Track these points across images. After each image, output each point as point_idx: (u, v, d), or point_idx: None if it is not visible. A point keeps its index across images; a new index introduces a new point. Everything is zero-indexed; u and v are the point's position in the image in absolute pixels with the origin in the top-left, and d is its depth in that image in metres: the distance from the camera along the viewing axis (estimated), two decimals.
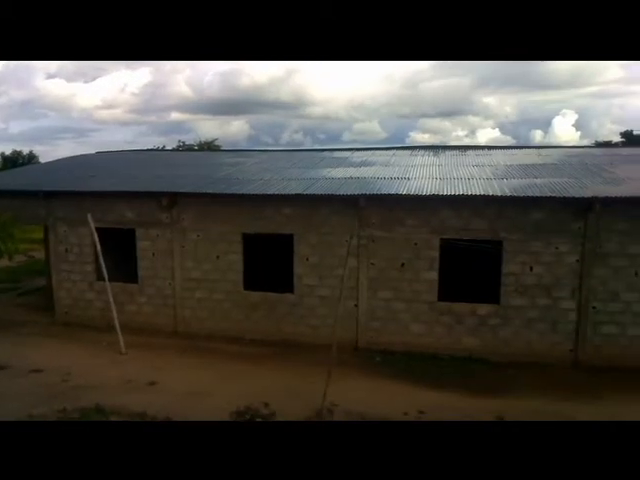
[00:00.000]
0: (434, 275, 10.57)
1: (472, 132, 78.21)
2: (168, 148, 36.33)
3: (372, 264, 10.83)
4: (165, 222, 11.89)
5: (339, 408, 8.01)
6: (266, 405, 8.11)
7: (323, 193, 10.74)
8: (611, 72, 78.34)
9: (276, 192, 11.07)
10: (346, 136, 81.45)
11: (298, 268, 11.22)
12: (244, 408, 7.99)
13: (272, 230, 11.25)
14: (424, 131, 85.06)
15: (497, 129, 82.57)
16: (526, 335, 10.21)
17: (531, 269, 10.08)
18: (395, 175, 12.06)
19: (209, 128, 78.18)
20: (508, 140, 61.92)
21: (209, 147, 37.64)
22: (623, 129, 46.15)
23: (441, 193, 10.22)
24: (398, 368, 9.98)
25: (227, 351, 10.88)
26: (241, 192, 11.27)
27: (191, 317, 11.96)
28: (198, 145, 38.66)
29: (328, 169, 13.26)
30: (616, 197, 9.42)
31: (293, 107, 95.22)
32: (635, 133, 44.03)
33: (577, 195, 9.60)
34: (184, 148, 37.52)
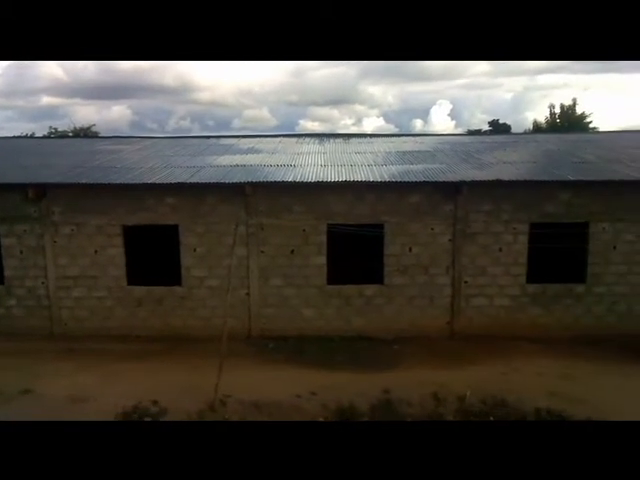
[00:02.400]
0: (323, 260, 10.84)
1: (359, 120, 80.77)
2: (38, 135, 33.01)
3: (262, 252, 10.82)
4: (34, 216, 10.84)
5: (232, 399, 7.96)
6: (155, 403, 7.81)
7: (208, 181, 10.47)
8: (479, 66, 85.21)
9: (158, 181, 10.58)
10: (236, 123, 79.89)
11: (185, 259, 10.88)
12: (131, 408, 7.63)
13: (155, 221, 10.76)
14: (313, 119, 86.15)
15: (382, 118, 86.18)
16: (408, 311, 10.89)
17: (410, 250, 10.74)
18: (282, 162, 12.11)
19: (86, 113, 72.09)
20: (391, 128, 64.88)
21: (85, 134, 34.81)
22: (490, 118, 50.50)
23: (326, 180, 10.46)
24: (291, 353, 10.14)
25: (112, 351, 10.26)
26: (119, 181, 10.61)
27: (69, 318, 11.10)
28: (73, 131, 35.55)
29: (214, 156, 12.95)
30: (480, 180, 10.34)
31: (179, 92, 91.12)
32: (501, 122, 48.54)
33: (447, 179, 10.37)
34: (57, 135, 34.29)
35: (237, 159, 12.57)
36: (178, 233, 10.83)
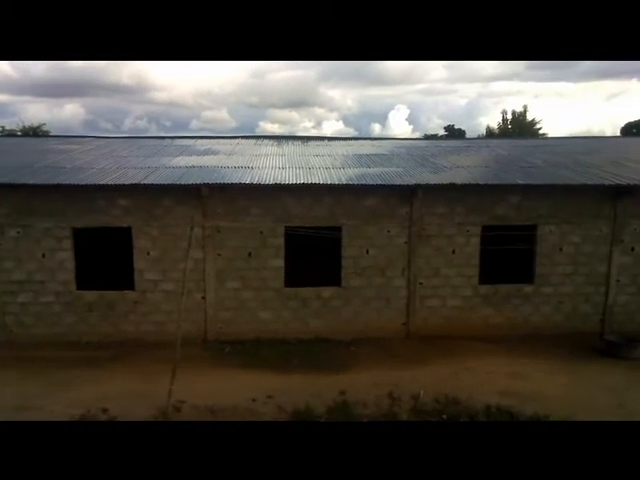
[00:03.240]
0: (280, 262, 10.81)
1: (319, 123, 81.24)
2: None
3: (219, 255, 10.69)
4: None
5: (186, 404, 7.81)
6: (105, 411, 7.57)
7: (163, 183, 10.26)
8: (437, 72, 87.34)
9: (110, 182, 10.27)
10: (194, 124, 78.68)
11: (139, 263, 10.61)
12: (79, 417, 7.36)
13: (107, 223, 10.45)
14: (273, 121, 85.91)
15: (341, 121, 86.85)
16: (365, 313, 11.00)
17: (367, 252, 10.86)
18: (239, 164, 12.01)
19: (36, 111, 69.21)
20: (351, 132, 65.68)
21: (35, 133, 33.45)
22: (446, 123, 51.84)
23: (284, 182, 10.45)
24: (247, 357, 10.05)
25: (60, 358, 9.87)
26: (68, 182, 10.23)
27: (14, 324, 10.61)
28: (22, 130, 34.10)
29: (169, 157, 12.70)
30: (435, 184, 10.58)
31: (135, 91, 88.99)
32: (456, 127, 49.90)
33: (403, 183, 10.55)
34: (4, 134, 32.83)
35: (193, 160, 12.38)
36: (131, 236, 10.55)
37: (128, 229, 10.53)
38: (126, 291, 10.72)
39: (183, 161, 12.30)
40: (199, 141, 15.55)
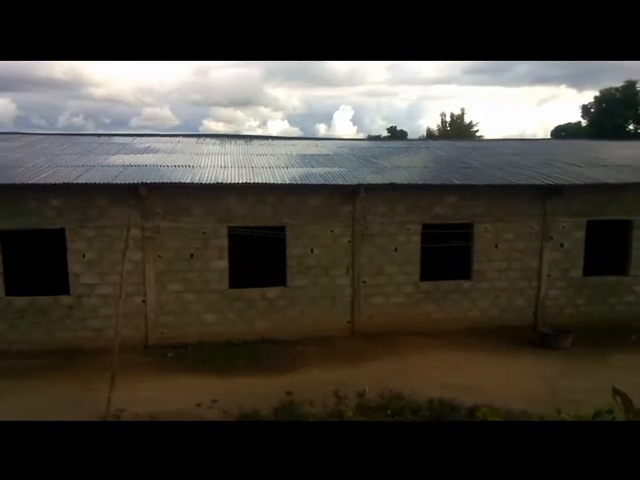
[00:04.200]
0: (224, 263, 10.64)
1: (264, 123, 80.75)
2: None
3: (159, 256, 10.38)
4: None
5: (126, 412, 7.53)
6: None
7: (97, 182, 9.83)
8: (379, 73, 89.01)
9: (41, 181, 9.72)
10: (134, 122, 76.16)
11: (73, 266, 10.12)
12: None
13: (38, 225, 9.89)
14: (217, 119, 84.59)
15: (286, 121, 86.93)
16: (311, 312, 11.03)
17: (312, 251, 10.89)
18: (180, 163, 11.72)
19: None
20: (296, 132, 65.73)
21: None
22: (389, 125, 52.96)
23: (226, 181, 10.29)
24: (191, 361, 9.83)
25: None
26: None
27: None
28: None
29: (106, 156, 12.21)
30: (376, 184, 10.77)
31: (71, 87, 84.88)
32: (398, 129, 51.06)
33: (346, 183, 10.67)
34: None
35: (131, 159, 11.95)
36: (65, 238, 10.05)
37: (61, 231, 10.02)
38: (60, 296, 10.20)
39: (120, 159, 11.85)
40: (138, 139, 15.04)
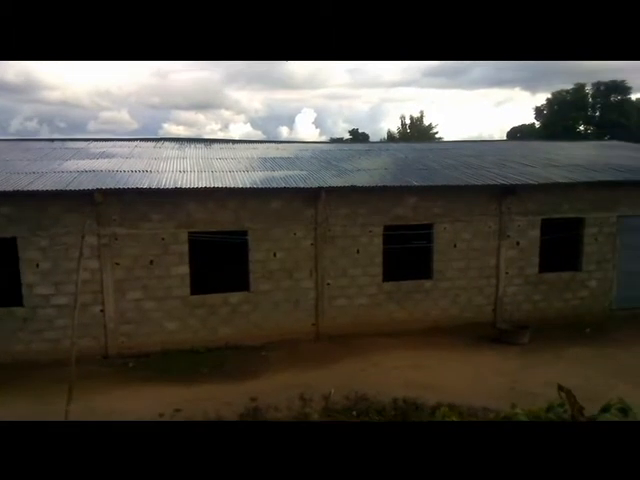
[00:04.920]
0: (185, 270, 10.47)
1: (225, 126, 79.86)
2: None
3: (117, 264, 10.12)
4: None
5: None
6: None
7: (50, 189, 9.49)
8: (340, 77, 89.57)
9: None
10: (92, 126, 73.92)
11: (26, 276, 9.74)
12: None
13: None
14: (178, 123, 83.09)
15: (249, 124, 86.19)
16: (275, 316, 10.98)
17: (275, 255, 10.85)
18: (137, 168, 11.47)
19: None
20: (259, 135, 65.30)
21: None
22: (351, 127, 53.41)
23: (185, 186, 10.13)
24: (153, 370, 9.62)
25: None
26: None
27: None
28: None
29: (59, 161, 11.83)
30: (337, 186, 10.83)
31: (23, 90, 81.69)
32: (360, 131, 51.56)
33: (307, 186, 10.68)
34: None
35: (86, 164, 11.61)
36: (17, 247, 9.66)
37: (13, 240, 9.63)
38: (13, 308, 9.80)
39: (75, 165, 11.50)
40: (93, 144, 14.65)
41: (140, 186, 9.90)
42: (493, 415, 2.68)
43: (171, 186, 10.05)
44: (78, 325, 7.48)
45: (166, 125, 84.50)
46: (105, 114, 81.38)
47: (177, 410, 7.95)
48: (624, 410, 2.71)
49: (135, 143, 15.03)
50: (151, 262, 10.24)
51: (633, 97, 39.74)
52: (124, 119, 78.42)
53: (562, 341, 10.86)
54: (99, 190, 9.54)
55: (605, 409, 2.83)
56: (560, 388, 2.49)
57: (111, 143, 14.97)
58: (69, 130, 70.82)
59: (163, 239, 10.25)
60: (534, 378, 8.75)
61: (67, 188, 9.54)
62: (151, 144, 15.05)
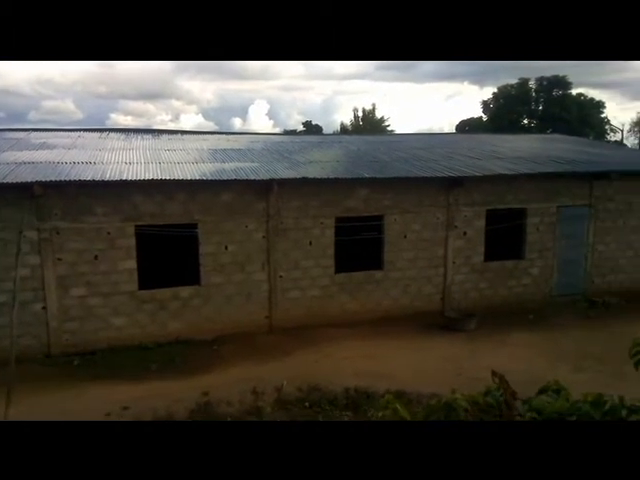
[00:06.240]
0: (132, 264, 10.18)
1: (176, 117, 77.74)
2: None
3: (59, 259, 9.71)
4: None
5: None
6: None
7: None
8: (294, 68, 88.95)
9: None
10: (33, 115, 70.14)
11: None
12: None
13: None
14: (126, 113, 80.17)
15: (200, 115, 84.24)
16: (227, 310, 10.86)
17: (226, 248, 10.71)
18: (80, 159, 11.01)
19: None
20: (211, 126, 63.89)
21: None
22: (305, 119, 53.22)
23: (131, 178, 9.82)
24: (100, 368, 9.34)
25: None
26: None
27: None
28: None
29: None
30: (289, 178, 10.79)
31: None
32: (314, 123, 51.52)
33: (258, 178, 10.59)
34: None
35: (25, 156, 11.04)
36: None
37: None
38: None
39: (12, 157, 10.91)
40: (33, 134, 13.94)
41: (83, 178, 9.51)
42: (435, 401, 2.74)
43: (116, 178, 9.71)
44: (18, 324, 7.16)
45: (113, 115, 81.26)
46: (48, 103, 77.60)
47: (125, 408, 7.77)
48: (558, 391, 2.86)
49: (78, 134, 14.43)
50: (96, 257, 9.89)
51: (574, 92, 41.63)
52: (68, 109, 75.04)
53: (507, 327, 11.31)
54: (39, 182, 9.08)
55: (542, 391, 2.97)
56: (494, 374, 2.60)
57: (52, 133, 14.31)
58: (8, 120, 67.20)
59: (109, 233, 9.91)
60: (480, 363, 9.05)
61: (4, 181, 9.03)
62: (95, 135, 14.48)
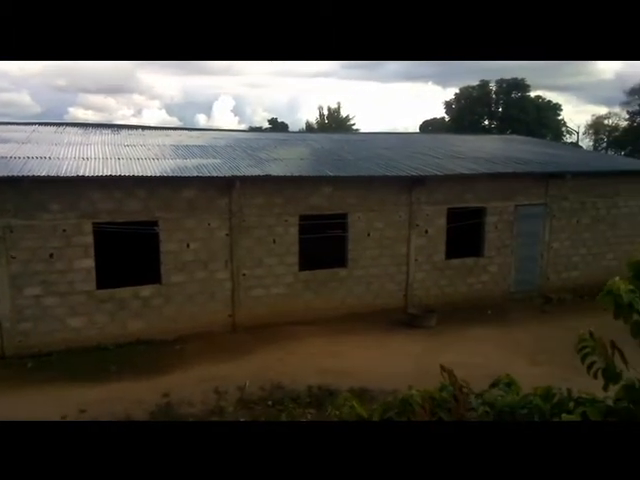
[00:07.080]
0: (90, 263, 9.89)
1: (139, 112, 75.74)
2: None
3: (13, 257, 9.34)
4: None
5: None
6: None
7: None
8: (260, 64, 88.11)
9: None
10: None
11: None
12: None
13: None
14: (87, 107, 77.53)
15: (164, 110, 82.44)
16: (189, 309, 10.70)
17: (188, 246, 10.55)
18: (35, 154, 10.61)
19: None
20: (175, 122, 62.52)
21: None
22: (271, 117, 52.86)
23: (88, 174, 9.53)
24: (56, 370, 9.04)
25: None
26: None
27: None
28: None
29: None
30: (252, 176, 10.72)
31: None
32: (279, 120, 51.26)
33: (221, 174, 10.46)
34: None
35: None
36: None
37: None
38: None
39: None
40: None
41: (37, 174, 9.17)
42: (392, 398, 2.79)
43: (72, 174, 9.41)
44: None
45: (72, 109, 78.48)
46: (2, 96, 74.30)
47: (82, 411, 7.57)
48: (509, 385, 2.95)
49: (33, 127, 13.91)
50: (51, 255, 9.56)
51: (532, 94, 42.91)
52: (24, 102, 72.07)
53: (466, 323, 11.58)
54: None
55: (494, 384, 3.06)
56: (442, 368, 2.65)
57: (5, 127, 13.74)
58: None
59: (64, 230, 9.60)
60: (440, 359, 9.17)
61: None
62: (51, 129, 13.99)
